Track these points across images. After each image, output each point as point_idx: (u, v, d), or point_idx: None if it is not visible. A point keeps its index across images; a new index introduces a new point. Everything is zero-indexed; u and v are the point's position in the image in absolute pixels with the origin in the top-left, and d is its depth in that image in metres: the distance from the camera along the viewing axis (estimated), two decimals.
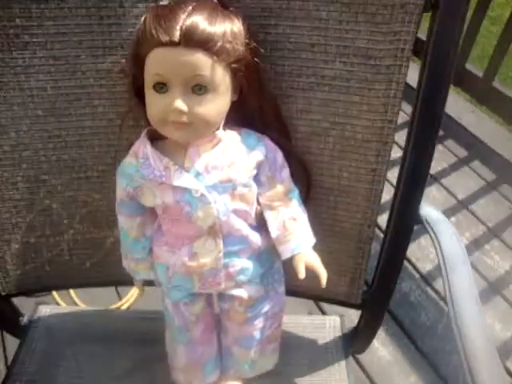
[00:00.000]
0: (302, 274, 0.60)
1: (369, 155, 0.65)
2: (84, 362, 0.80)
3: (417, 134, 0.61)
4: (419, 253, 1.42)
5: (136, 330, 0.85)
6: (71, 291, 1.29)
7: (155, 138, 0.60)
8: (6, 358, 1.16)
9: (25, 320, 0.85)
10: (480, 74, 1.82)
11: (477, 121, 1.90)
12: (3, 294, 0.77)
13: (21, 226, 0.73)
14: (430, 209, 0.66)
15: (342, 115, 0.64)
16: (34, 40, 0.62)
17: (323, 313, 1.25)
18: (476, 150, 1.78)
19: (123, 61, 0.60)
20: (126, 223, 0.65)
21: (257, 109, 0.61)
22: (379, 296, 0.75)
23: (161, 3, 0.55)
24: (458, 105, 1.93)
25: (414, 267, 1.40)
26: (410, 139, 0.62)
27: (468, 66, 1.84)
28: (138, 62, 0.55)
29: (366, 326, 0.79)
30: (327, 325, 0.85)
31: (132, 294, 1.30)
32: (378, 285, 0.73)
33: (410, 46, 0.58)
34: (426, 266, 1.41)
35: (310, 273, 0.63)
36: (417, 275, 1.39)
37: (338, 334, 0.84)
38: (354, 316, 0.83)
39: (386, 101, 0.61)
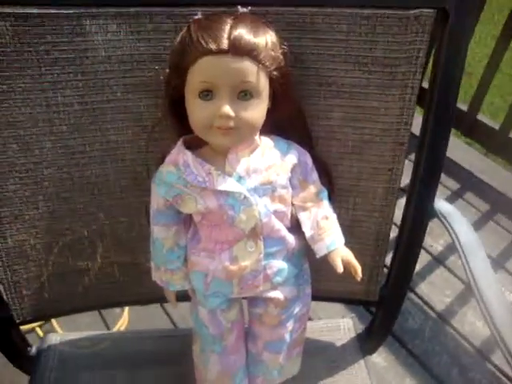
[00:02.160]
0: (340, 268, 0.63)
1: (386, 156, 0.70)
2: None
3: (432, 128, 0.67)
4: None
5: (150, 351, 0.84)
6: (55, 324, 1.24)
7: (190, 148, 0.62)
8: None
9: (33, 350, 0.81)
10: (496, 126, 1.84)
11: None
12: (18, 321, 0.74)
13: (39, 248, 0.71)
14: (442, 202, 0.72)
15: (361, 120, 0.68)
16: (64, 56, 0.62)
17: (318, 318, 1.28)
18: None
19: (165, 70, 0.61)
20: (162, 233, 0.65)
21: (286, 116, 0.64)
22: (396, 291, 0.79)
23: (199, 17, 0.58)
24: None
25: None
26: (425, 134, 0.68)
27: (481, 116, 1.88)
28: (180, 72, 0.57)
29: (381, 323, 0.83)
30: (341, 327, 0.87)
31: (122, 321, 1.27)
32: (395, 280, 0.78)
33: (424, 53, 0.64)
34: None
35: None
36: None
37: (353, 335, 0.86)
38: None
39: (402, 104, 0.67)
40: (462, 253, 0.68)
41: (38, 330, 1.23)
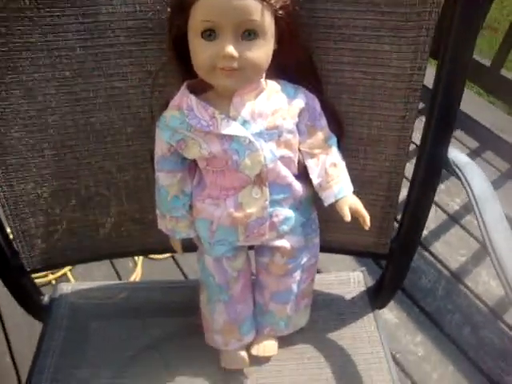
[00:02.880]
0: (347, 217, 0.61)
1: (398, 103, 0.67)
2: (113, 335, 0.79)
3: (445, 76, 0.64)
4: None
5: (158, 301, 0.85)
6: (67, 271, 1.27)
7: (195, 92, 0.60)
8: (11, 351, 1.14)
9: (46, 299, 0.82)
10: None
11: None
12: (28, 269, 0.75)
13: (46, 197, 0.71)
14: (456, 152, 0.69)
15: (372, 64, 0.65)
16: None
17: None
18: None
19: (167, 9, 0.59)
20: (167, 180, 0.64)
21: (293, 59, 0.62)
22: (407, 244, 0.77)
23: None
24: None
25: None
26: (439, 81, 0.65)
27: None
28: (182, 11, 0.55)
29: (391, 277, 0.82)
30: (351, 280, 0.87)
31: (135, 275, 1.29)
32: (406, 233, 0.76)
33: None
34: (422, 233, 1.45)
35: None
36: None
37: (363, 288, 0.86)
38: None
39: (416, 48, 0.63)
40: (475, 205, 0.65)
41: (53, 282, 1.25)
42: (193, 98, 0.59)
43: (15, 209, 0.71)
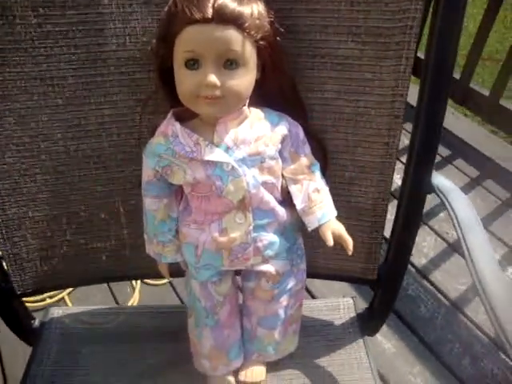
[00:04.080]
0: (330, 242, 0.62)
1: (382, 129, 0.68)
2: (102, 360, 0.79)
3: (428, 100, 0.65)
4: (414, 249, 1.46)
5: (151, 326, 0.85)
6: (66, 298, 1.27)
7: (181, 120, 0.62)
8: (4, 376, 1.13)
9: (36, 323, 0.83)
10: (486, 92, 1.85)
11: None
12: (18, 292, 0.76)
13: (38, 220, 0.73)
14: (441, 178, 0.70)
15: (355, 92, 0.67)
16: (57, 29, 0.63)
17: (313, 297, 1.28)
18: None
19: (152, 41, 0.61)
20: (153, 205, 0.65)
21: (277, 87, 0.64)
22: (395, 269, 0.77)
23: None
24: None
25: (410, 262, 1.43)
26: (421, 105, 0.66)
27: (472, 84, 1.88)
28: (167, 42, 0.57)
29: (380, 303, 0.82)
30: (341, 306, 0.87)
31: (132, 300, 1.29)
32: (394, 257, 0.76)
33: (418, 22, 0.62)
34: (420, 261, 1.46)
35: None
36: (412, 269, 1.44)
37: (353, 314, 0.85)
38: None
39: (397, 76, 0.65)
40: (459, 229, 0.65)
41: (47, 300, 1.26)
42: (178, 125, 0.60)
43: (7, 232, 0.72)
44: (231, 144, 0.60)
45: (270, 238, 0.65)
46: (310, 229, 0.65)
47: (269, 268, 0.67)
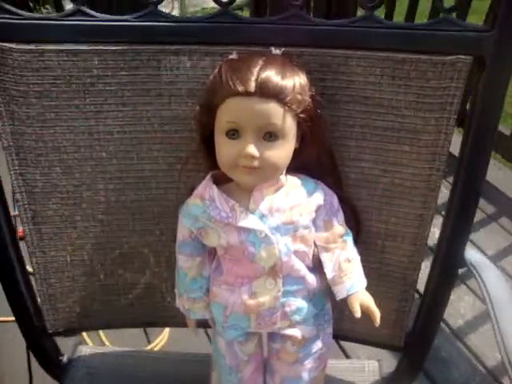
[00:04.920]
0: (357, 313, 0.62)
1: (416, 201, 0.68)
2: None
3: (462, 178, 0.65)
4: (450, 308, 1.42)
5: (174, 372, 0.86)
6: (101, 333, 1.29)
7: (218, 182, 0.63)
8: None
9: (65, 359, 0.85)
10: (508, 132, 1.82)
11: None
12: (50, 331, 0.78)
13: (74, 265, 0.76)
14: (473, 252, 0.69)
15: (392, 163, 0.68)
16: (107, 88, 0.66)
17: (347, 357, 1.25)
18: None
19: (196, 108, 0.64)
20: (186, 262, 0.67)
21: (314, 156, 0.65)
22: (422, 338, 0.76)
23: (232, 57, 0.61)
24: None
25: (444, 321, 1.38)
26: (457, 182, 0.66)
27: None
28: (210, 111, 0.59)
29: (406, 369, 0.80)
30: (366, 369, 0.85)
31: (161, 337, 1.30)
32: (421, 327, 0.75)
33: (458, 99, 0.63)
34: (456, 322, 1.39)
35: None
36: (447, 330, 1.38)
37: (377, 377, 0.84)
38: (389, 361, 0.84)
39: (435, 150, 0.65)
40: (490, 307, 0.65)
41: (84, 335, 1.28)
42: (215, 189, 0.62)
43: (45, 274, 0.75)
44: (266, 212, 0.61)
45: (298, 303, 0.65)
46: (338, 298, 0.65)
47: (295, 332, 0.67)
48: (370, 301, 0.64)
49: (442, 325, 1.37)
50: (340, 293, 0.64)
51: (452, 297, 1.44)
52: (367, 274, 0.68)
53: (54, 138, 0.68)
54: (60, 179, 0.70)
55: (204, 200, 0.63)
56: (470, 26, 0.60)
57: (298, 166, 0.64)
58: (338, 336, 0.77)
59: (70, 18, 0.63)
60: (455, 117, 0.64)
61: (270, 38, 0.64)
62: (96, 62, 0.65)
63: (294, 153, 0.62)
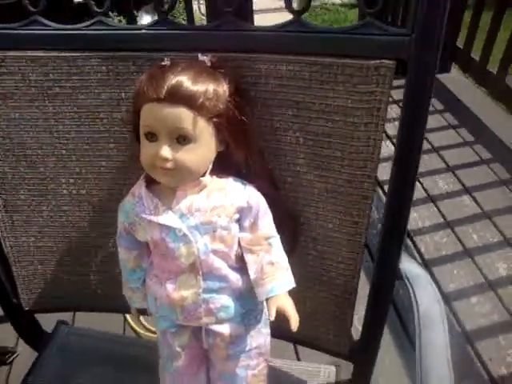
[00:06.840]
0: (272, 317, 0.63)
1: (350, 208, 0.67)
2: (93, 382, 0.87)
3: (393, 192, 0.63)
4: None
5: (149, 358, 0.91)
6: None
7: (152, 182, 0.67)
8: None
9: (44, 335, 0.93)
10: None
11: None
12: (26, 309, 0.87)
13: (44, 251, 0.83)
14: (410, 263, 0.67)
15: (325, 169, 0.67)
16: (63, 91, 0.72)
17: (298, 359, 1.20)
18: None
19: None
20: (124, 255, 0.72)
21: (243, 160, 0.66)
22: (366, 349, 0.75)
23: (162, 63, 0.64)
24: None
25: None
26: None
27: None
28: (136, 114, 0.63)
29: (358, 378, 0.79)
30: (322, 373, 0.85)
31: None
32: (365, 337, 0.74)
33: (385, 105, 0.61)
34: None
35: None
36: None
37: (332, 382, 0.83)
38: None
39: (365, 157, 0.64)
40: (417, 322, 0.62)
41: None
42: (143, 188, 0.66)
43: (18, 256, 0.83)
44: (186, 211, 0.63)
45: (222, 301, 0.67)
46: (259, 299, 0.66)
47: (222, 329, 0.69)
48: (287, 305, 0.64)
49: None
50: (260, 295, 0.65)
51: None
52: (309, 279, 0.69)
53: (19, 136, 0.75)
54: (27, 172, 0.78)
55: (135, 197, 0.67)
56: (391, 30, 0.58)
57: (227, 167, 0.66)
58: (284, 338, 0.78)
59: (27, 28, 0.69)
60: (382, 124, 0.62)
61: (206, 44, 0.66)
62: (51, 68, 0.71)
63: (221, 155, 0.64)
